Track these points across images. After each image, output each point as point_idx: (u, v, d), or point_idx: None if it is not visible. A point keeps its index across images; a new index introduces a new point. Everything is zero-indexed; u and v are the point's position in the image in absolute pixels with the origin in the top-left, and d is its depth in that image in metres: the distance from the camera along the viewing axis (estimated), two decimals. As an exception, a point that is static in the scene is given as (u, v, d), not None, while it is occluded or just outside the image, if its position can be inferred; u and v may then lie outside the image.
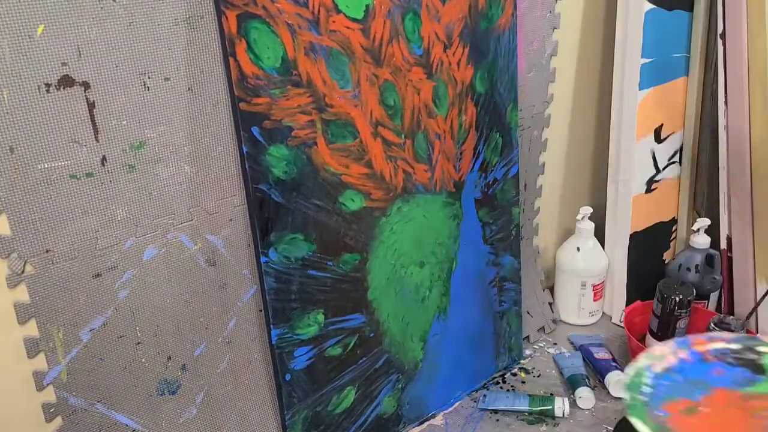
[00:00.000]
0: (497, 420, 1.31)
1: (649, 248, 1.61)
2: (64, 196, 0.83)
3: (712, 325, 1.30)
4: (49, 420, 0.89)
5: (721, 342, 0.78)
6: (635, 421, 0.71)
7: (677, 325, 1.35)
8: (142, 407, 0.98)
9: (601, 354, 1.45)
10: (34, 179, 0.80)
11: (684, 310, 1.34)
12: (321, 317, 1.08)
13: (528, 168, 1.46)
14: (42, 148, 0.80)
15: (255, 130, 0.93)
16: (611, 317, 1.65)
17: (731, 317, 1.31)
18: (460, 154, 1.23)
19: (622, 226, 1.57)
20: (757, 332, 1.43)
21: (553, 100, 1.48)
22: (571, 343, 1.55)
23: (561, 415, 1.30)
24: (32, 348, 0.85)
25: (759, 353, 0.74)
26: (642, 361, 0.80)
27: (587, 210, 1.53)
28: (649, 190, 1.55)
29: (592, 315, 1.62)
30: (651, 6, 1.40)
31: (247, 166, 0.93)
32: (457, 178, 1.23)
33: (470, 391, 1.38)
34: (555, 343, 1.55)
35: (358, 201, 1.08)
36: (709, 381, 0.77)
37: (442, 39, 1.13)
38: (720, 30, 1.42)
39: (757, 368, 0.74)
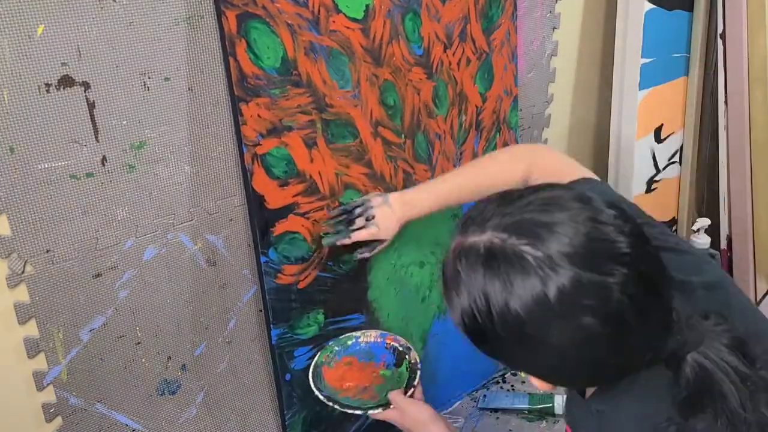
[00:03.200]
0: (497, 418, 1.31)
1: (649, 248, 1.60)
2: (64, 196, 0.83)
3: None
4: (49, 420, 0.89)
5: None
6: (316, 358, 1.04)
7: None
8: (142, 407, 0.98)
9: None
10: (34, 179, 0.80)
11: (684, 310, 1.34)
12: (321, 317, 1.08)
13: (528, 168, 1.46)
14: (42, 148, 0.80)
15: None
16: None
17: None
18: (460, 154, 1.23)
19: (622, 226, 1.56)
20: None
21: (553, 100, 1.48)
22: (571, 343, 1.55)
23: (561, 413, 1.30)
24: (32, 348, 0.85)
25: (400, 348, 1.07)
26: (357, 333, 1.10)
27: (587, 210, 1.53)
28: (649, 190, 1.55)
29: (592, 315, 1.62)
30: (651, 6, 1.40)
31: (247, 166, 0.93)
32: (457, 178, 1.23)
33: (470, 391, 1.38)
34: (555, 343, 1.55)
35: (358, 201, 1.08)
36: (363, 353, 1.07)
37: (442, 39, 1.13)
38: (720, 30, 1.42)
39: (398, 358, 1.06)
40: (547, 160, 0.92)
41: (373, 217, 0.99)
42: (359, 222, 1.00)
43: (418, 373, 1.01)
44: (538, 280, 0.55)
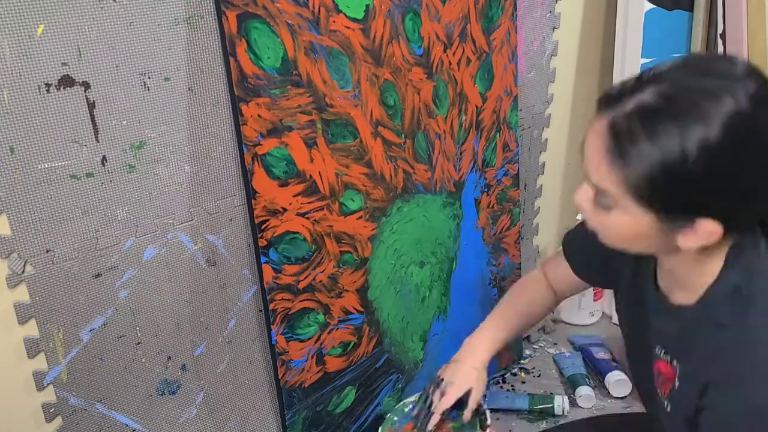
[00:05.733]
0: (497, 419, 1.31)
1: (649, 248, 1.60)
2: (64, 196, 0.83)
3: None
4: (49, 420, 0.89)
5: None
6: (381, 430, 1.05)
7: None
8: (142, 407, 0.98)
9: (601, 354, 1.45)
10: (34, 179, 0.80)
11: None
12: (321, 317, 1.08)
13: (528, 168, 1.46)
14: (42, 148, 0.80)
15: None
16: (611, 317, 1.65)
17: None
18: (460, 154, 1.23)
19: (622, 226, 1.56)
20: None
21: (553, 100, 1.48)
22: (571, 343, 1.55)
23: (561, 414, 1.30)
24: (32, 348, 0.85)
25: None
26: (413, 397, 1.07)
27: (587, 210, 1.53)
28: (649, 190, 1.55)
29: (592, 315, 1.62)
30: (651, 6, 1.40)
31: (247, 166, 0.93)
32: (457, 178, 1.23)
33: (470, 391, 1.38)
34: (555, 343, 1.55)
35: (358, 201, 1.08)
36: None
37: (442, 39, 1.13)
38: (720, 30, 1.42)
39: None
40: (556, 270, 1.00)
41: (442, 380, 0.98)
42: (437, 395, 0.98)
43: (487, 412, 0.98)
44: (729, 97, 0.57)
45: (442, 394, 0.97)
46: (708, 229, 0.61)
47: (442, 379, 0.98)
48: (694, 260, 0.67)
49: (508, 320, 1.02)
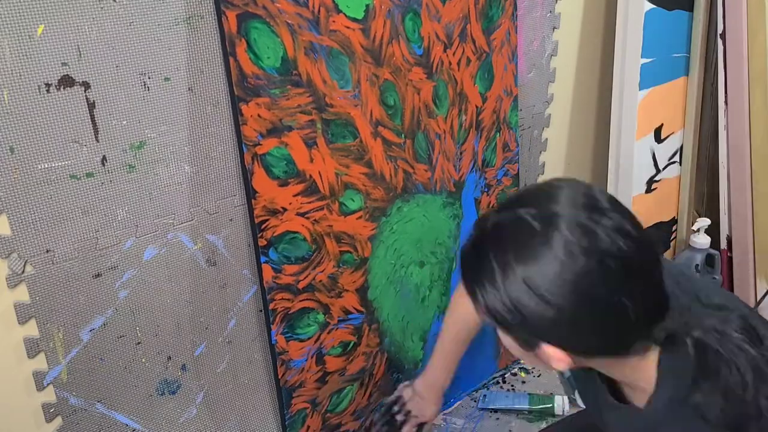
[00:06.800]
0: (497, 419, 1.31)
1: (649, 248, 1.60)
2: (64, 196, 0.83)
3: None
4: (49, 420, 0.89)
5: None
6: None
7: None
8: (142, 407, 0.98)
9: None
10: (34, 179, 0.80)
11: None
12: (321, 317, 1.08)
13: (528, 168, 1.46)
14: (42, 148, 0.80)
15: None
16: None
17: None
18: (460, 153, 1.23)
19: (622, 226, 1.56)
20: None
21: (553, 100, 1.48)
22: (571, 343, 1.55)
23: (561, 414, 1.30)
24: (32, 348, 0.85)
25: None
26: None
27: (587, 210, 1.53)
28: (649, 190, 1.55)
29: (592, 315, 1.62)
30: (651, 6, 1.40)
31: (247, 166, 0.93)
32: (457, 178, 1.23)
33: (470, 390, 1.38)
34: (555, 343, 1.55)
35: (358, 201, 1.08)
36: None
37: (442, 39, 1.13)
38: (720, 30, 1.42)
39: None
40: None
41: (410, 412, 1.07)
42: (400, 417, 1.08)
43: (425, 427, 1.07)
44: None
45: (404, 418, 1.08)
46: (550, 353, 0.62)
47: (407, 407, 1.07)
48: (620, 366, 0.66)
49: (455, 352, 1.05)
